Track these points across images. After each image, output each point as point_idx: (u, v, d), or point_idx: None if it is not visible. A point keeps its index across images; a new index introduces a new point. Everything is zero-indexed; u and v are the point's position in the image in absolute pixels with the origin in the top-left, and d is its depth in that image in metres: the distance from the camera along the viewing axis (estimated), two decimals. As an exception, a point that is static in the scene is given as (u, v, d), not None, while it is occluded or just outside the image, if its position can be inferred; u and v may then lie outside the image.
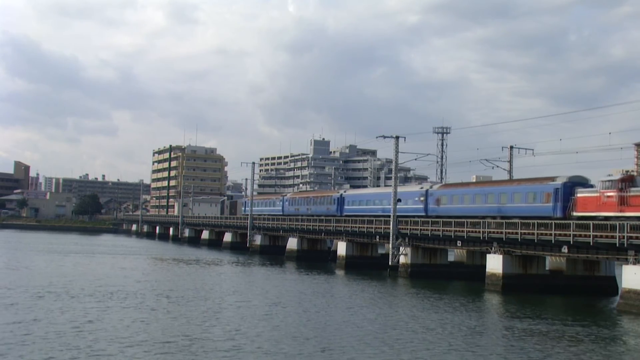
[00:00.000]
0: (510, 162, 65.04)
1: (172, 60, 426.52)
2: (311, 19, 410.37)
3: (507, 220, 48.54)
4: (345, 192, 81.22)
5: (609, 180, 43.26)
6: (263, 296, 41.57)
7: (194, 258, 77.85)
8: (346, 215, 73.74)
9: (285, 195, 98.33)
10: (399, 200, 61.20)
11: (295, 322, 31.57)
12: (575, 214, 45.00)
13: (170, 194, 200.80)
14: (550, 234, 43.49)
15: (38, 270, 54.57)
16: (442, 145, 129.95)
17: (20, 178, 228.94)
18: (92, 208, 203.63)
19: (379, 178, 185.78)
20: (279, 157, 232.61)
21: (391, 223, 59.35)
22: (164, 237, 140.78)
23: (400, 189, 63.96)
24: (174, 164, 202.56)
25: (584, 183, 47.06)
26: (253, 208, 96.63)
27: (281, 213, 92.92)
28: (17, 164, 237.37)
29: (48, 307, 33.44)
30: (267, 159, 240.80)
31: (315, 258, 77.07)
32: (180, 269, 61.94)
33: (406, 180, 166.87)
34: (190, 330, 28.56)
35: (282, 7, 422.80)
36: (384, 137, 61.59)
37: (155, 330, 28.15)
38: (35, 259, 66.78)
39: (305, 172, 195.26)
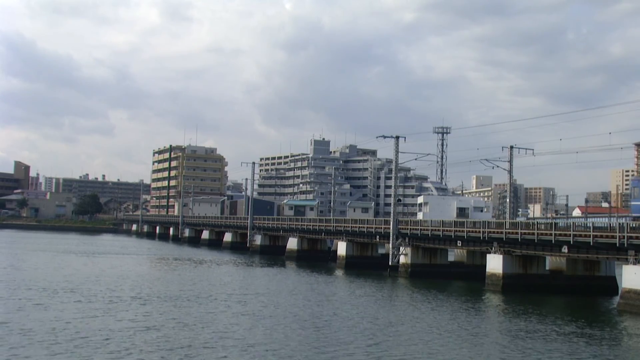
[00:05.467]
0: (511, 162, 65.03)
1: (167, 58, 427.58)
2: (307, 16, 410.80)
3: (507, 220, 48.61)
4: None
5: None
6: (263, 297, 41.58)
7: (198, 259, 77.82)
8: None
9: None
10: None
11: (295, 323, 31.57)
12: None
13: (170, 194, 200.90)
14: (551, 234, 43.55)
15: (84, 273, 53.95)
16: (442, 145, 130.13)
17: (20, 178, 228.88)
18: (92, 208, 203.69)
19: (379, 178, 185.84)
20: (279, 157, 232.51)
21: (391, 223, 59.36)
22: (164, 237, 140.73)
23: None
24: (174, 164, 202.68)
25: None
26: None
27: None
28: (17, 164, 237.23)
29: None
30: (267, 159, 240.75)
31: (315, 258, 77.12)
32: (190, 270, 62.00)
33: (406, 180, 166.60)
34: (195, 331, 28.61)
35: (279, 4, 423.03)
36: (384, 137, 61.77)
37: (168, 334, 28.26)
38: (72, 261, 66.26)
39: (305, 172, 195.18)
